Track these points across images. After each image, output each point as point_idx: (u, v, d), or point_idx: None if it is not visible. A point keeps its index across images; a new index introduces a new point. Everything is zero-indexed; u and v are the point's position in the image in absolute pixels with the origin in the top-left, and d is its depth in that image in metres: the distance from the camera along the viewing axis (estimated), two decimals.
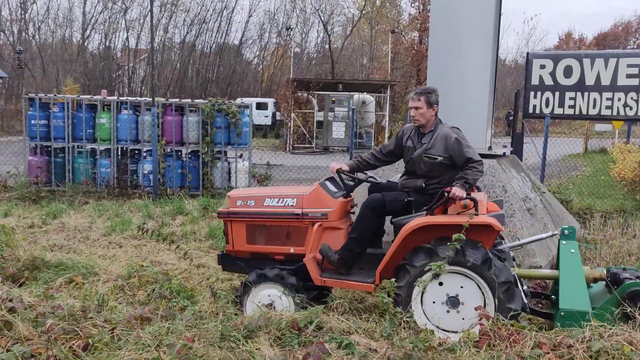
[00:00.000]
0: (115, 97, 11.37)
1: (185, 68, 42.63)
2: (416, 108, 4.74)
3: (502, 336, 3.80)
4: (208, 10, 43.10)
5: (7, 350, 3.51)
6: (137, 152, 11.32)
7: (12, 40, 38.05)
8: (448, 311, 4.23)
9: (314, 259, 4.71)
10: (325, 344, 3.62)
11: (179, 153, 11.26)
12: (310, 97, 26.83)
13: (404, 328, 4.04)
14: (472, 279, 4.14)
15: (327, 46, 43.88)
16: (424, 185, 4.66)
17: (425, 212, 4.44)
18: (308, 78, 27.70)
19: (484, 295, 4.14)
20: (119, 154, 11.19)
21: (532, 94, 11.11)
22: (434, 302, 4.26)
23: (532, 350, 3.63)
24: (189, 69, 43.13)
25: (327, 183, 4.99)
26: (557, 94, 10.93)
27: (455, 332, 4.16)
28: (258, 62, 50.12)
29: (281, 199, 4.88)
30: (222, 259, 5.21)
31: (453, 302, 4.21)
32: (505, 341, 3.77)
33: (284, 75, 37.18)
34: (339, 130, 23.96)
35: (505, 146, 8.76)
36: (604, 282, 4.49)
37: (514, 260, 4.87)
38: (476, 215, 4.16)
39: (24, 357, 3.45)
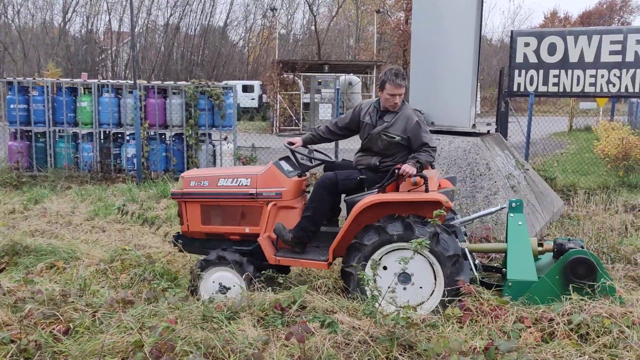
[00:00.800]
0: (96, 80, 11.18)
1: (169, 51, 42.11)
2: (400, 94, 4.68)
3: (485, 311, 3.82)
4: None
5: None
6: (120, 135, 11.20)
7: None
8: (404, 288, 4.26)
9: (269, 238, 4.71)
10: (308, 323, 3.60)
11: (163, 136, 11.15)
12: (297, 78, 26.66)
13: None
14: (420, 254, 4.13)
15: (313, 27, 43.54)
16: (377, 163, 4.68)
17: (377, 190, 4.46)
18: (294, 60, 27.52)
19: (433, 269, 4.19)
20: (102, 137, 11.06)
21: (516, 72, 11.09)
22: (387, 277, 4.29)
23: (514, 325, 3.65)
24: (173, 52, 42.62)
25: (282, 162, 4.97)
26: (541, 71, 10.92)
27: (414, 307, 4.18)
28: (243, 44, 49.66)
29: (235, 179, 4.86)
30: (178, 239, 5.18)
31: (405, 278, 4.25)
32: (488, 316, 3.79)
33: (269, 57, 36.87)
34: (325, 112, 23.85)
35: (489, 124, 8.75)
36: (552, 253, 4.56)
37: (465, 235, 4.93)
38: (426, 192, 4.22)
39: (3, 342, 3.41)
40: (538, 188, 7.81)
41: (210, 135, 11.34)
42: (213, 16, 44.97)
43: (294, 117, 25.43)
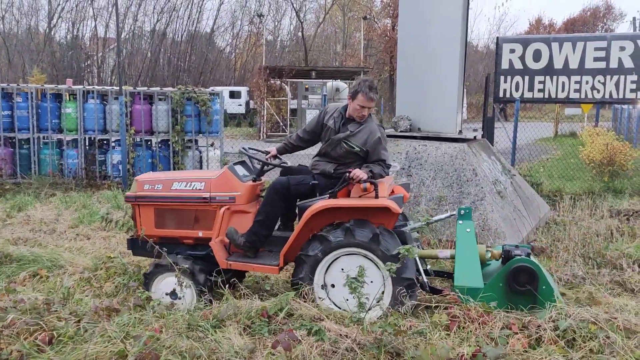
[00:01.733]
0: (81, 86, 11.08)
1: (156, 57, 41.94)
2: (369, 107, 4.69)
3: (472, 318, 3.82)
4: None
5: None
6: (105, 142, 11.10)
7: None
8: (353, 296, 4.20)
9: (221, 243, 4.70)
10: (295, 331, 3.58)
11: (149, 142, 11.07)
12: (284, 84, 26.65)
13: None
14: (367, 258, 4.23)
15: (300, 34, 43.61)
16: (332, 171, 4.70)
17: (328, 195, 4.49)
18: (281, 66, 27.48)
19: (380, 270, 4.22)
20: (87, 144, 10.95)
21: (502, 78, 11.18)
22: (333, 286, 4.35)
23: (502, 331, 3.65)
24: (160, 58, 42.45)
25: (237, 167, 4.98)
26: (526, 77, 11.02)
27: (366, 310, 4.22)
28: (230, 50, 49.61)
29: (189, 183, 4.85)
30: (131, 244, 5.12)
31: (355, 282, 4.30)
32: (475, 322, 3.78)
33: (256, 63, 36.86)
34: (312, 118, 23.87)
35: (475, 130, 8.80)
36: (501, 260, 4.60)
37: (417, 241, 5.00)
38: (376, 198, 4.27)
39: None
40: (524, 193, 7.85)
41: (196, 141, 11.29)
42: (200, 22, 44.88)
43: (281, 123, 25.40)
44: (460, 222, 4.54)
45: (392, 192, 4.72)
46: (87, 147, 10.91)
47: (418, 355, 3.25)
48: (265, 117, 24.45)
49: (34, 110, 10.57)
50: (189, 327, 3.69)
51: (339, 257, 4.33)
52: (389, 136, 7.85)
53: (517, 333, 3.64)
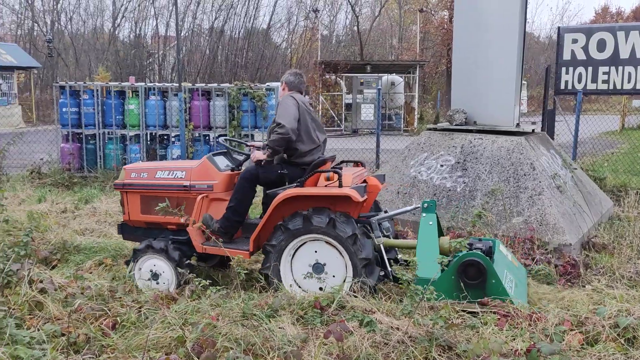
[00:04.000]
0: (143, 84, 11.48)
1: (214, 54, 42.81)
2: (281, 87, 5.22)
3: (524, 315, 3.75)
4: None
5: (39, 329, 3.61)
6: (165, 137, 11.46)
7: (46, 31, 38.76)
8: (317, 278, 4.54)
9: (199, 229, 4.93)
10: (346, 322, 3.63)
11: (207, 137, 11.35)
12: (339, 79, 26.67)
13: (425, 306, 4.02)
14: (328, 243, 4.46)
15: (355, 28, 43.47)
16: (285, 156, 4.96)
17: (296, 184, 4.68)
18: (336, 60, 27.53)
19: (342, 255, 4.44)
20: (148, 139, 11.34)
21: (563, 69, 10.80)
22: (301, 272, 4.60)
23: (556, 327, 3.58)
24: (218, 55, 43.29)
25: (217, 157, 5.27)
26: (590, 68, 10.60)
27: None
28: (286, 46, 50.02)
29: (172, 172, 5.17)
30: (121, 228, 5.50)
31: (318, 268, 4.54)
32: (528, 320, 3.72)
33: (312, 59, 37.00)
34: (367, 112, 23.79)
35: (534, 123, 8.55)
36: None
37: (388, 231, 5.05)
38: (340, 187, 4.45)
39: (55, 335, 3.56)
40: (586, 188, 7.60)
41: (252, 136, 11.48)
42: (256, 19, 45.43)
43: (336, 118, 25.45)
44: (424, 214, 4.64)
45: (364, 182, 4.95)
46: (149, 142, 11.30)
47: (470, 349, 3.23)
48: (320, 112, 24.56)
49: (100, 107, 11.04)
50: (244, 316, 3.80)
51: (303, 243, 4.55)
52: (443, 130, 7.77)
53: (572, 330, 3.56)
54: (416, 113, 25.36)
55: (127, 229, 5.46)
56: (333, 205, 4.50)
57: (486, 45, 7.48)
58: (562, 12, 69.22)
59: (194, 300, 4.28)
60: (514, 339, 3.54)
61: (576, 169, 7.90)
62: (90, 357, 3.38)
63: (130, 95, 11.19)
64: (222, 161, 5.30)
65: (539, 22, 54.01)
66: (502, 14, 7.36)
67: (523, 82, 8.15)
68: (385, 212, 5.12)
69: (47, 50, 33.87)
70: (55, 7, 40.22)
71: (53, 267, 5.51)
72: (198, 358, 3.24)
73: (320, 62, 25.38)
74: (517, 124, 7.62)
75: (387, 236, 4.96)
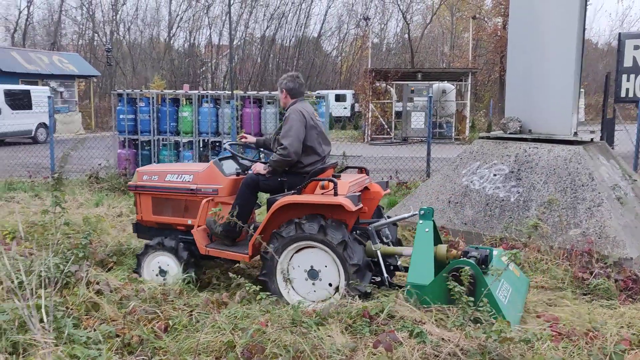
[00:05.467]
0: (196, 91, 11.74)
1: (265, 62, 43.48)
2: (281, 97, 5.27)
3: (580, 332, 3.61)
4: (287, 4, 43.67)
5: (95, 330, 3.72)
6: (217, 143, 11.67)
7: (105, 41, 40.26)
8: (312, 283, 4.63)
9: (203, 231, 5.15)
10: (396, 332, 3.58)
11: None
12: (389, 87, 26.54)
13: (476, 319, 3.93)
14: (321, 249, 4.53)
15: (406, 35, 43.26)
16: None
17: (294, 192, 4.75)
18: (387, 68, 27.42)
19: (335, 262, 4.50)
20: (201, 145, 11.58)
21: (624, 76, 10.45)
22: (296, 277, 4.70)
23: (615, 346, 3.42)
24: (269, 63, 43.95)
25: (223, 162, 5.42)
26: None
27: (315, 302, 4.57)
28: (337, 54, 50.25)
29: (180, 175, 5.38)
30: (136, 227, 5.79)
31: (313, 274, 4.62)
32: (584, 337, 3.57)
33: (362, 66, 37.01)
34: (418, 120, 23.55)
35: (593, 132, 8.26)
36: None
37: (388, 237, 5.12)
38: (335, 195, 4.51)
39: (110, 336, 3.66)
40: None
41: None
42: (307, 27, 45.94)
43: (386, 126, 25.31)
44: (421, 222, 4.62)
45: (366, 189, 5.07)
46: (201, 149, 11.54)
47: None
48: (370, 120, 24.48)
49: (155, 114, 11.36)
50: (293, 323, 3.80)
51: (299, 250, 4.64)
52: (497, 138, 7.60)
53: (632, 349, 3.39)
54: (468, 121, 24.94)
55: (140, 228, 5.72)
56: (330, 213, 4.57)
57: (543, 52, 7.29)
58: (622, 18, 66.70)
59: (244, 305, 4.32)
60: (572, 357, 3.41)
61: (636, 180, 7.58)
62: (143, 359, 3.45)
63: (184, 103, 11.47)
64: (229, 166, 5.45)
65: (597, 28, 52.49)
66: (560, 20, 7.16)
67: (580, 89, 7.89)
68: (389, 217, 5.19)
69: (107, 59, 35.15)
70: (114, 17, 41.77)
71: (109, 270, 5.67)
72: None
73: (371, 69, 25.31)
74: (575, 133, 7.38)
75: (387, 243, 5.04)
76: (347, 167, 5.83)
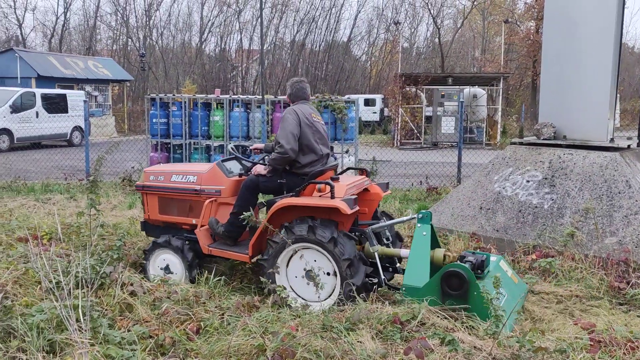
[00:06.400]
0: (228, 96, 11.87)
1: (295, 67, 43.70)
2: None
3: (618, 342, 3.52)
4: (317, 9, 43.85)
5: (128, 330, 3.79)
6: (244, 148, 11.76)
7: (138, 46, 41.00)
8: (308, 283, 4.68)
9: (207, 231, 5.24)
10: (427, 339, 3.55)
11: None
12: (419, 91, 26.39)
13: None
14: (313, 249, 4.60)
15: (436, 40, 42.99)
16: (287, 167, 5.10)
17: (292, 194, 4.86)
18: (417, 73, 27.26)
19: (334, 267, 4.54)
20: None
21: None
22: (295, 277, 4.75)
23: None
24: (298, 68, 44.14)
25: (226, 163, 5.52)
26: None
27: (315, 302, 4.62)
28: (366, 59, 50.19)
29: (185, 176, 5.49)
30: (143, 226, 5.93)
31: (310, 275, 4.66)
32: (622, 348, 3.49)
33: (392, 71, 36.90)
34: (448, 125, 23.36)
35: (630, 139, 8.07)
36: None
37: (388, 240, 5.18)
38: (332, 198, 4.58)
39: (143, 337, 3.71)
40: None
41: (332, 148, 11.56)
42: (337, 32, 46.01)
43: (416, 131, 25.16)
44: (419, 225, 4.70)
45: (366, 190, 5.19)
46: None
47: None
48: (399, 125, 24.37)
49: (187, 118, 11.51)
50: (324, 328, 3.80)
51: (295, 252, 4.70)
52: (530, 144, 7.49)
53: None
54: (499, 126, 24.62)
55: (148, 227, 5.87)
56: (327, 216, 4.64)
57: (578, 56, 7.17)
58: None
59: (274, 309, 4.34)
60: None
61: None
62: None
63: (216, 107, 11.59)
64: (232, 167, 5.55)
65: (633, 32, 51.15)
66: (598, 23, 7.03)
67: (616, 94, 7.72)
68: (389, 219, 5.27)
69: (140, 64, 35.78)
70: (147, 23, 42.51)
71: (141, 271, 5.76)
72: None
73: (401, 74, 25.21)
74: (612, 139, 7.23)
75: (387, 245, 5.10)
76: (348, 168, 5.94)
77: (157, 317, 4.05)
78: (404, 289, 4.45)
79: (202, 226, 5.27)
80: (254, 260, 5.13)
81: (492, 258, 4.84)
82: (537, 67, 30.64)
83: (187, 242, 5.31)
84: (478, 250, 5.45)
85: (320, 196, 4.72)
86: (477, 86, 25.68)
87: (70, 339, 3.38)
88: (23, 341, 3.43)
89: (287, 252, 4.72)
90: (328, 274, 4.62)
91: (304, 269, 4.71)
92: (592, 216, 6.21)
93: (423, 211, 4.75)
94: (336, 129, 11.20)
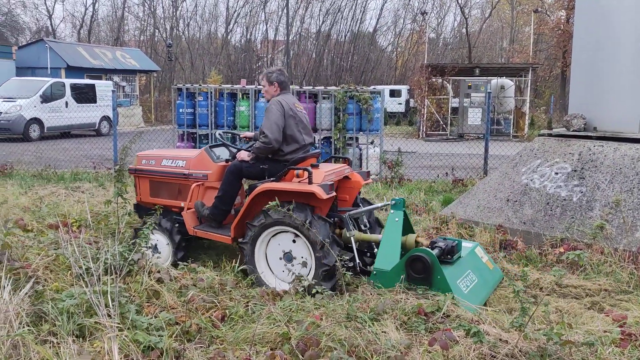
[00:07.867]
0: (253, 86, 11.90)
1: (320, 57, 43.60)
2: (264, 89, 5.46)
3: None
4: None
5: (155, 317, 3.84)
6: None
7: (165, 37, 41.35)
8: (285, 265, 4.89)
9: (193, 213, 5.44)
10: (452, 331, 3.53)
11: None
12: (445, 82, 26.12)
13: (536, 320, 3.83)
14: (289, 232, 4.80)
15: (464, 30, 42.43)
16: (269, 155, 5.24)
17: (273, 179, 5.02)
18: (443, 63, 26.98)
19: (309, 250, 4.69)
20: None
21: None
22: (274, 259, 4.95)
23: None
24: (324, 58, 44.05)
25: (214, 149, 5.68)
26: None
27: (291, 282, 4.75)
28: (392, 49, 49.83)
29: (174, 161, 5.72)
30: (136, 208, 6.16)
31: (289, 257, 4.87)
32: None
33: (418, 62, 36.58)
34: (474, 117, 23.08)
35: None
36: None
37: (366, 226, 5.32)
38: (309, 183, 4.73)
39: (169, 323, 3.77)
40: None
41: (357, 139, 11.53)
42: (363, 22, 45.75)
43: (442, 122, 24.94)
44: (392, 211, 4.86)
45: (347, 178, 5.34)
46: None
47: None
48: (425, 116, 24.17)
49: (213, 109, 11.59)
50: (348, 317, 3.81)
51: (274, 235, 4.90)
52: (559, 136, 7.36)
53: None
54: (527, 118, 24.25)
55: (140, 209, 6.07)
56: (302, 200, 4.78)
57: (611, 46, 7.00)
58: None
59: (299, 298, 4.36)
60: None
61: None
62: (201, 347, 3.54)
63: (241, 98, 11.64)
64: (220, 153, 5.70)
65: None
66: (631, 12, 6.86)
67: None
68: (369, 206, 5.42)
69: (167, 54, 36.10)
70: (174, 14, 42.83)
71: None
72: (302, 355, 3.29)
73: (427, 65, 24.96)
74: None
75: (364, 231, 5.24)
76: (332, 157, 6.05)
77: (183, 304, 4.11)
78: (374, 272, 4.65)
79: (188, 209, 5.46)
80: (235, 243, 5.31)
81: (467, 244, 5.05)
82: (567, 57, 30.06)
83: (176, 224, 5.51)
84: (450, 236, 5.68)
85: (299, 182, 4.88)
86: (504, 77, 25.31)
87: (100, 324, 3.45)
88: (54, 325, 3.51)
89: (265, 235, 4.89)
90: (302, 257, 4.80)
91: (282, 251, 4.89)
92: (623, 209, 6.09)
93: (396, 198, 4.92)
94: (361, 119, 11.16)
